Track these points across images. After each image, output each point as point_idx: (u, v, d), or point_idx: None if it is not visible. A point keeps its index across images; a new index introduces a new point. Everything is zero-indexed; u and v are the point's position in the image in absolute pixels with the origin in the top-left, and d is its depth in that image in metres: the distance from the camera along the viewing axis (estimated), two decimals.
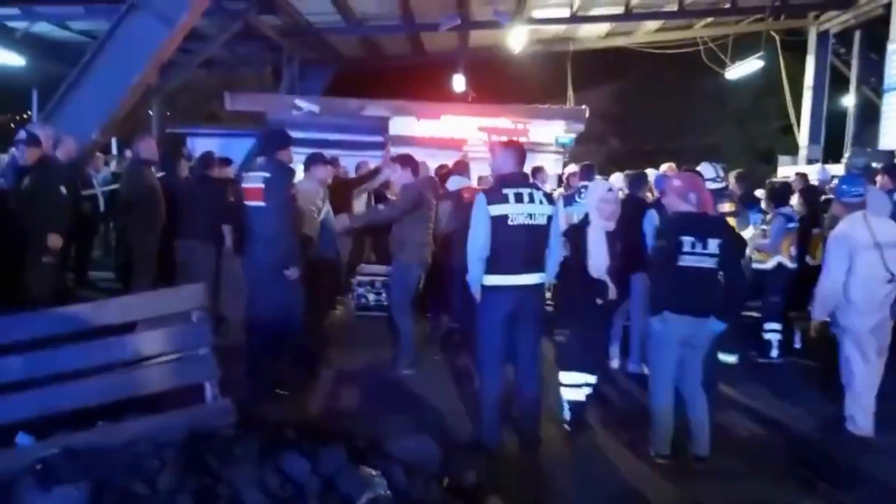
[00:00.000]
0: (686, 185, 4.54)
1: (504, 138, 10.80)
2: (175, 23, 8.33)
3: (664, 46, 16.04)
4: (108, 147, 11.91)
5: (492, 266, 4.41)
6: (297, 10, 12.71)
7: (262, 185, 5.07)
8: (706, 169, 6.44)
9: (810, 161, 14.02)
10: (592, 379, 4.88)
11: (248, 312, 5.35)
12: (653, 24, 15.48)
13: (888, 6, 12.02)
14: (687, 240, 4.22)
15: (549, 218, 4.45)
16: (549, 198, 4.53)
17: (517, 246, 4.38)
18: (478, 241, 4.40)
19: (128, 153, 9.81)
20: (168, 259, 6.77)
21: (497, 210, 4.36)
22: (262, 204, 5.07)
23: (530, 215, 4.38)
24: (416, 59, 16.54)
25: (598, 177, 7.82)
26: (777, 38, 15.21)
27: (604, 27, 15.66)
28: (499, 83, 16.37)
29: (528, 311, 4.48)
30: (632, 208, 5.86)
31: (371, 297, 8.17)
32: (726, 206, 6.26)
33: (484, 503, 3.55)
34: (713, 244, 4.22)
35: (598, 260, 4.65)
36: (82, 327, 3.70)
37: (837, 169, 10.80)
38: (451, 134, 11.46)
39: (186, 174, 7.80)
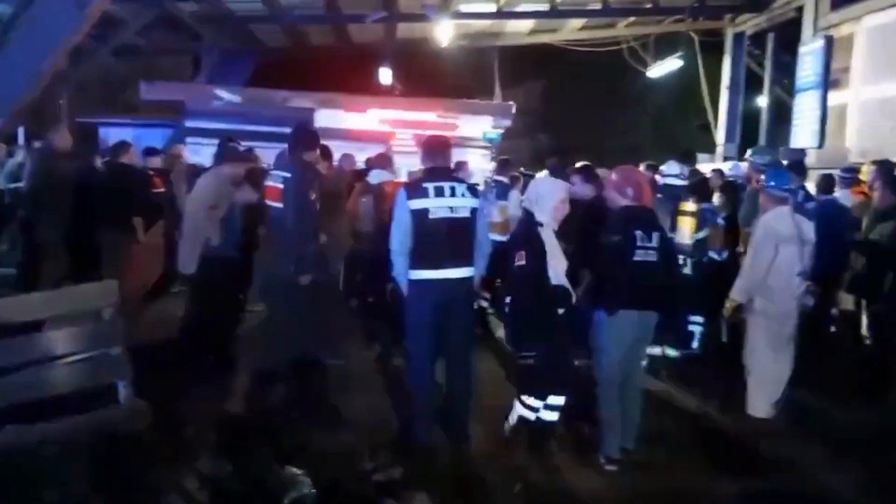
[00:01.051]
0: (621, 179, 4.60)
1: (431, 132, 10.87)
2: (87, 6, 7.92)
3: (589, 45, 16.32)
4: (13, 137, 11.25)
5: (417, 260, 4.36)
6: None
7: (281, 185, 4.97)
8: (671, 167, 6.55)
9: (726, 158, 14.53)
10: (560, 400, 4.38)
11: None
12: (577, 22, 15.72)
13: (800, 9, 12.56)
14: (638, 234, 4.25)
15: (473, 210, 4.41)
16: (473, 190, 4.49)
17: (440, 239, 4.34)
18: (398, 236, 4.36)
19: (36, 144, 9.29)
20: (81, 252, 6.45)
21: (417, 204, 4.32)
22: (279, 205, 4.98)
23: (451, 208, 4.34)
24: (342, 51, 16.30)
25: (544, 174, 7.88)
26: (696, 38, 15.70)
27: (529, 23, 15.81)
28: (426, 77, 16.31)
29: (457, 305, 4.43)
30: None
31: None
32: (690, 205, 6.35)
33: (411, 499, 3.50)
34: (656, 237, 4.29)
35: (559, 264, 4.40)
36: None
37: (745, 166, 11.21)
38: (379, 127, 11.35)
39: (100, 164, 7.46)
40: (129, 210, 6.54)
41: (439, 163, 4.56)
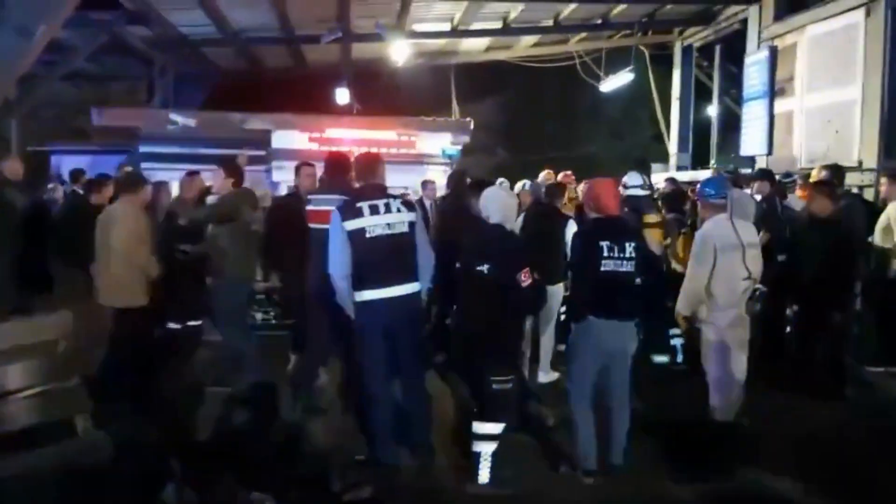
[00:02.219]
0: (584, 193, 4.71)
1: (392, 150, 10.89)
2: (34, 34, 7.77)
3: (543, 60, 16.55)
4: None
5: (360, 282, 4.35)
6: (169, 22, 12.21)
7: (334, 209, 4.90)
8: (633, 177, 6.61)
9: (680, 168, 14.85)
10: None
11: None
12: (531, 39, 15.95)
13: (745, 21, 12.94)
14: (604, 244, 4.26)
15: (411, 224, 4.41)
16: (408, 205, 4.50)
17: (381, 258, 4.34)
18: (336, 259, 4.35)
19: None
20: (32, 285, 6.30)
21: (353, 225, 4.32)
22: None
23: (389, 225, 4.34)
24: (298, 72, 16.27)
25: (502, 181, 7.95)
26: (646, 52, 16.04)
27: (484, 41, 15.99)
28: (384, 96, 16.32)
29: (405, 322, 4.41)
30: (548, 219, 5.96)
31: (258, 315, 7.91)
32: (652, 217, 6.41)
33: None
34: (629, 248, 4.30)
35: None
36: None
37: (706, 174, 11.47)
38: (336, 147, 11.31)
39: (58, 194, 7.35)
40: (88, 243, 6.38)
41: (370, 180, 4.57)
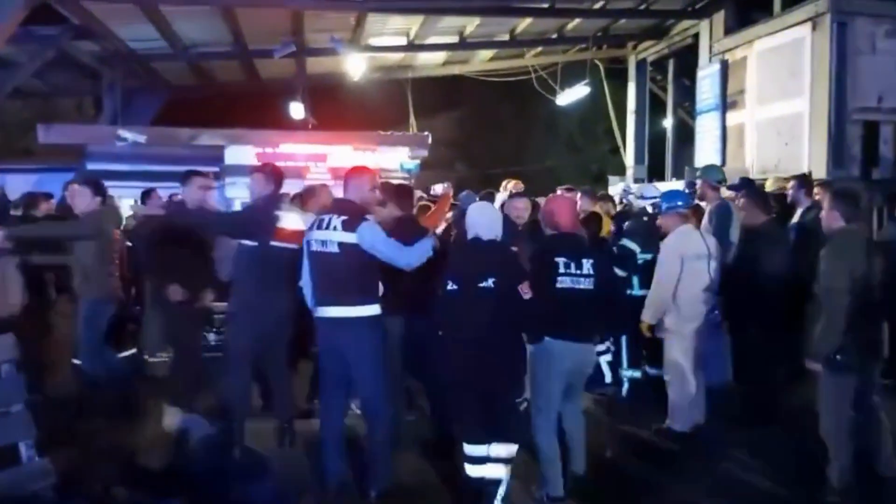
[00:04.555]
0: (543, 207, 4.66)
1: (348, 165, 10.72)
2: None
3: (500, 75, 16.63)
4: None
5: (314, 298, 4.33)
6: (117, 36, 11.93)
7: None
8: (648, 189, 6.56)
9: (637, 180, 15.00)
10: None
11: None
12: (487, 53, 16.00)
13: (696, 36, 13.17)
14: (560, 261, 4.16)
15: (340, 245, 4.13)
16: (347, 224, 4.15)
17: (320, 275, 4.25)
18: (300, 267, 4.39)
19: None
20: None
21: (308, 235, 4.32)
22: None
23: (323, 242, 4.18)
24: (251, 87, 16.07)
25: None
26: (601, 66, 16.22)
27: (441, 56, 16.00)
28: (340, 110, 16.23)
29: (348, 347, 4.20)
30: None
31: (211, 336, 7.68)
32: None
33: None
34: (588, 264, 4.19)
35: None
36: None
37: (664, 186, 11.58)
38: (292, 162, 11.15)
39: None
40: (41, 272, 6.11)
41: (345, 194, 4.42)
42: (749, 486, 4.55)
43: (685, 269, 5.04)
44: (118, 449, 4.78)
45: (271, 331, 4.91)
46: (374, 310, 4.21)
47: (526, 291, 3.99)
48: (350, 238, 4.11)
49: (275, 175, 5.03)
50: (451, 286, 4.07)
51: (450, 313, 4.10)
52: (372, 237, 4.12)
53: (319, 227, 4.22)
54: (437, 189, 8.36)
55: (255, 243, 4.78)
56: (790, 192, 6.90)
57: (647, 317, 5.23)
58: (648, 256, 5.78)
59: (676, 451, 5.03)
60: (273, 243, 4.78)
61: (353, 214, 4.19)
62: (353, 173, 4.45)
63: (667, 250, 5.19)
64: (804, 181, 6.98)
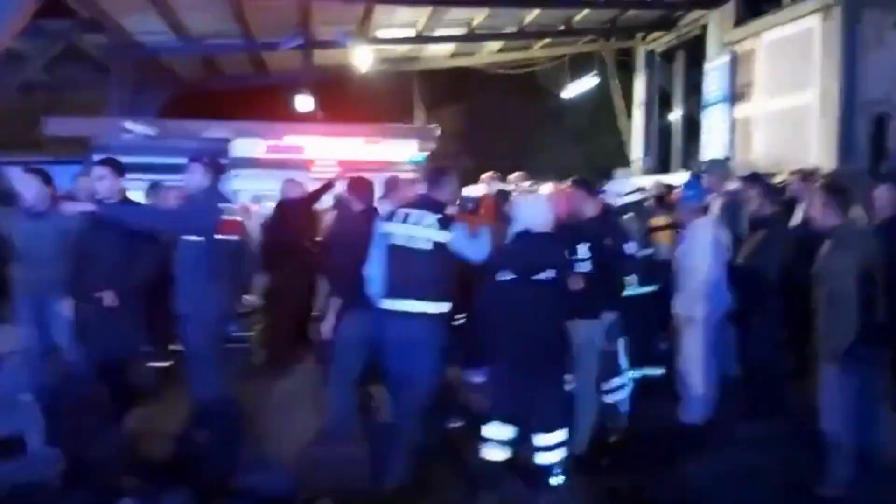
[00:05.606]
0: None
1: (355, 158, 10.74)
2: None
3: (508, 67, 16.59)
4: None
5: None
6: (125, 30, 11.97)
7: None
8: (622, 184, 6.57)
9: (646, 172, 14.96)
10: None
11: None
12: (495, 45, 15.97)
13: (705, 27, 13.10)
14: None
15: (435, 244, 4.34)
16: (442, 223, 4.39)
17: (399, 268, 4.37)
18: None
19: None
20: None
21: (388, 227, 4.49)
22: None
23: (410, 237, 4.34)
24: (259, 80, 16.10)
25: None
26: (609, 58, 16.15)
27: (448, 48, 15.99)
28: (348, 103, 16.20)
29: (419, 342, 4.36)
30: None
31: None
32: (661, 219, 6.36)
33: None
34: (583, 249, 4.52)
35: None
36: None
37: (671, 179, 11.54)
38: (299, 155, 11.16)
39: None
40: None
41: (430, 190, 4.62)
42: (753, 477, 4.55)
43: (710, 259, 5.11)
44: (126, 438, 4.80)
45: (220, 324, 4.89)
46: (447, 308, 4.33)
47: (576, 284, 4.28)
48: (444, 237, 4.25)
49: (214, 166, 4.97)
50: (504, 276, 4.20)
51: (501, 303, 4.23)
52: (462, 237, 4.29)
53: (405, 221, 4.30)
54: (478, 190, 8.33)
55: (201, 238, 4.69)
56: (794, 186, 6.86)
57: (682, 309, 5.26)
58: (649, 252, 5.76)
59: (689, 443, 5.02)
60: (217, 237, 4.71)
61: (443, 212, 4.37)
62: (438, 171, 4.69)
63: (694, 242, 5.24)
64: (810, 177, 6.95)
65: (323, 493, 3.99)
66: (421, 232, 4.27)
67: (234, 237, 4.70)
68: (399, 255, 4.30)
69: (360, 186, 5.36)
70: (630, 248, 4.97)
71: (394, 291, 4.30)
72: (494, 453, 4.25)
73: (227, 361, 5.20)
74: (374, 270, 4.43)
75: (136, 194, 7.32)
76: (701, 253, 5.20)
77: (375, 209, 5.20)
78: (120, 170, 5.28)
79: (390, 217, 4.47)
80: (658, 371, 5.84)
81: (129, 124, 10.99)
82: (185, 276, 4.81)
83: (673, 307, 5.41)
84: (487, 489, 4.26)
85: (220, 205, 4.85)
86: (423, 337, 4.26)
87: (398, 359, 4.31)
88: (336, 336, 5.04)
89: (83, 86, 15.06)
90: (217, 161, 5.05)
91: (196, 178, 4.91)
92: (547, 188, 6.67)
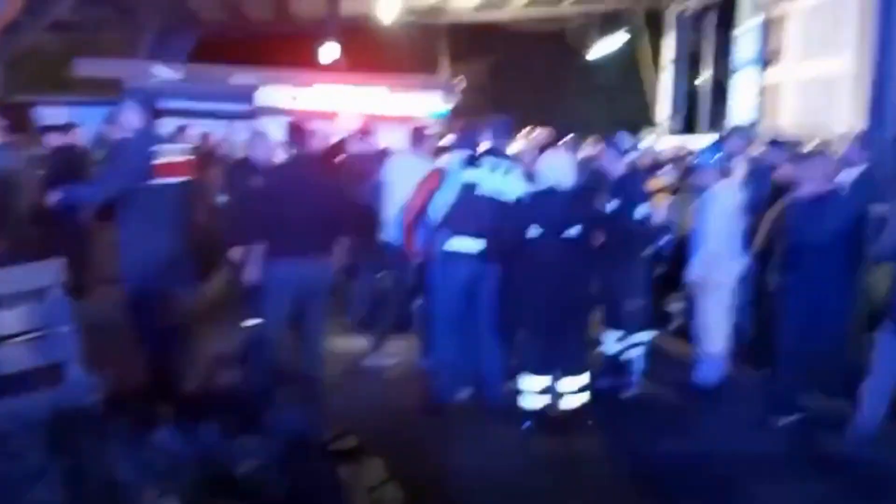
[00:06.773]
0: None
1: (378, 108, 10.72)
2: None
3: (536, 22, 16.37)
4: None
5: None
6: None
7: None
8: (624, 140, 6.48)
9: (672, 132, 14.85)
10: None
11: None
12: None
13: None
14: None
15: (518, 197, 4.60)
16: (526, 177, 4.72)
17: (470, 213, 4.54)
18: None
19: None
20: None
21: (471, 175, 4.62)
22: None
23: (499, 191, 4.57)
24: (282, 26, 15.98)
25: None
26: (639, 17, 15.90)
27: (475, 0, 15.78)
28: (372, 55, 16.13)
29: (484, 276, 4.64)
30: None
31: None
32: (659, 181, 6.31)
33: (366, 467, 3.55)
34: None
35: None
36: None
37: (696, 141, 11.47)
38: (324, 104, 11.19)
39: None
40: None
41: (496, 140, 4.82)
42: (769, 436, 4.60)
43: (727, 222, 5.10)
44: (164, 369, 4.97)
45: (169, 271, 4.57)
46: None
47: (598, 238, 4.47)
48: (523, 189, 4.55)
49: (148, 106, 4.63)
50: (535, 231, 4.37)
51: (533, 256, 4.40)
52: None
53: (493, 171, 4.53)
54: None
55: (136, 185, 4.36)
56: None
57: (698, 272, 5.27)
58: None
59: (703, 404, 5.13)
60: (154, 181, 4.41)
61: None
62: (503, 122, 4.94)
63: (712, 206, 5.18)
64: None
65: (349, 432, 4.09)
66: (510, 186, 4.50)
67: (175, 179, 4.46)
68: (478, 203, 4.45)
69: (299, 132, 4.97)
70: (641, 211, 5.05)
71: (459, 231, 4.48)
72: (532, 401, 4.46)
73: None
74: (436, 214, 4.56)
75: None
76: (721, 216, 5.17)
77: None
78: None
79: (470, 163, 4.57)
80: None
81: (156, 68, 11.06)
82: (125, 225, 4.51)
83: (686, 271, 5.39)
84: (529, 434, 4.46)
85: (154, 148, 4.47)
86: (487, 272, 4.57)
87: (460, 300, 4.58)
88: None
89: (110, 28, 15.07)
90: (151, 101, 4.73)
91: (130, 118, 4.53)
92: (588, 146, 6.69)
